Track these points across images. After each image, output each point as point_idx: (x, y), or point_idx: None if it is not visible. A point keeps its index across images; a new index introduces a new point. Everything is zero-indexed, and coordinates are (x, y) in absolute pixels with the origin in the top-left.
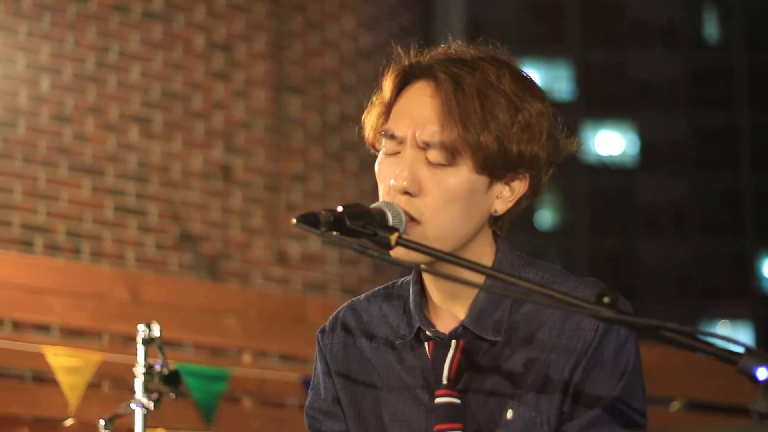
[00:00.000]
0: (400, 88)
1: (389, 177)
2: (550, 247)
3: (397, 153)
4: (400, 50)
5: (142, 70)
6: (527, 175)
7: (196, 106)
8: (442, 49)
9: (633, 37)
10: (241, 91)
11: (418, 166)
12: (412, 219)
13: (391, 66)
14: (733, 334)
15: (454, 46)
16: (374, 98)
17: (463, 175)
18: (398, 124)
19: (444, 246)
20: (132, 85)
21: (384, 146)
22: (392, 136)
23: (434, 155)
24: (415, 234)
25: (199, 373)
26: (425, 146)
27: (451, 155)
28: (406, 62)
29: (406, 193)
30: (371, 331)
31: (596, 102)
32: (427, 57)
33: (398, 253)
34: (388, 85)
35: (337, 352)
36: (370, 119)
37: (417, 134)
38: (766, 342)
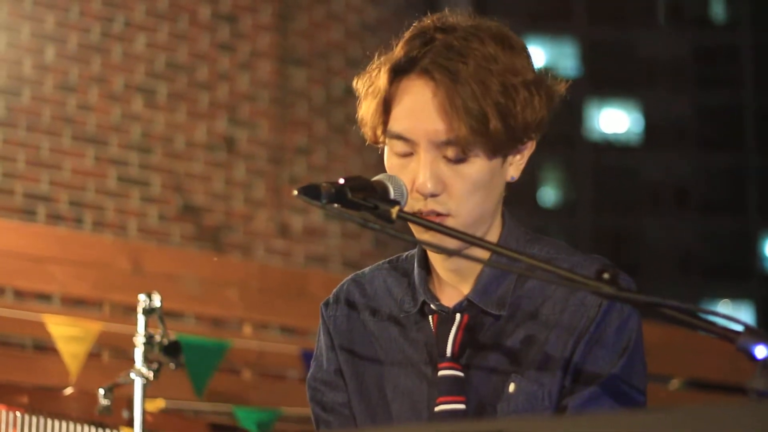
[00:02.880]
0: (393, 80)
1: (408, 179)
2: (553, 225)
3: (408, 154)
4: (402, 24)
5: (147, 41)
6: (534, 137)
7: (201, 78)
8: (426, 23)
9: (639, 15)
10: (245, 62)
11: (437, 167)
12: (440, 215)
13: (382, 61)
14: (734, 314)
15: (435, 16)
16: (361, 88)
17: (480, 164)
18: (407, 127)
19: (474, 230)
20: (137, 56)
21: (393, 148)
22: (402, 139)
23: (450, 153)
24: (448, 224)
25: (198, 345)
26: (440, 145)
27: (464, 151)
28: (395, 59)
29: (433, 195)
30: (375, 304)
31: (601, 80)
32: (417, 50)
33: (432, 238)
34: (382, 82)
35: (341, 325)
36: (367, 116)
37: (429, 135)
38: (767, 321)
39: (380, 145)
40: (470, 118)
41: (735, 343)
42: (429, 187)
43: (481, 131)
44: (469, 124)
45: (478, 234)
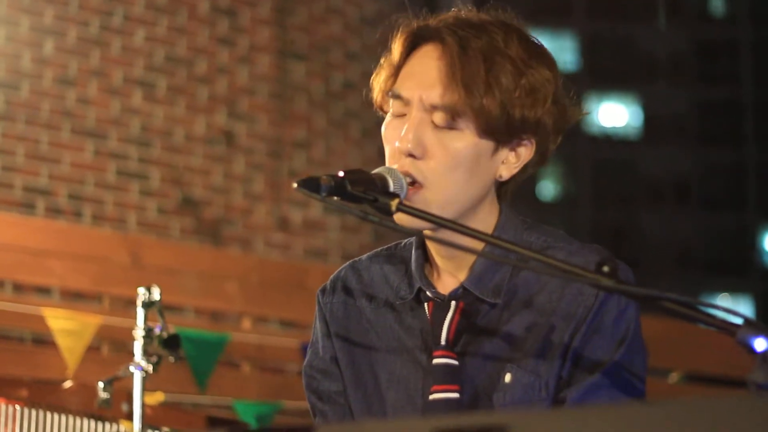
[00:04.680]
0: (409, 50)
1: (395, 138)
2: (552, 219)
3: (403, 115)
4: (408, 15)
5: (146, 35)
6: (533, 141)
7: (200, 71)
8: (451, 12)
9: (638, 9)
10: (245, 56)
11: (423, 129)
12: (414, 182)
13: (401, 28)
14: (733, 307)
15: (463, 11)
16: (383, 61)
17: (467, 140)
18: (405, 86)
19: (447, 211)
20: (136, 49)
21: (391, 107)
22: (399, 97)
23: (439, 118)
24: (418, 199)
25: (198, 338)
26: (430, 109)
27: (454, 118)
28: (415, 25)
29: (411, 155)
30: (371, 291)
31: (601, 74)
32: (436, 20)
33: (401, 219)
34: (397, 47)
35: (337, 312)
36: (378, 81)
37: (422, 97)
38: (766, 316)
39: (385, 113)
40: (466, 87)
41: (734, 335)
42: (408, 146)
43: (473, 104)
44: (464, 92)
45: (458, 220)
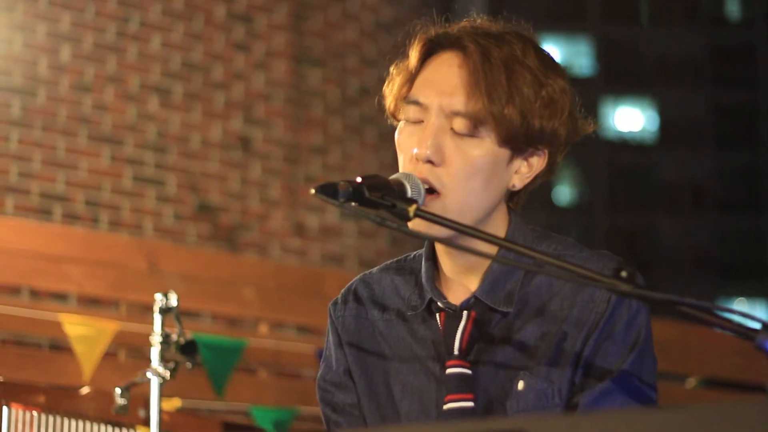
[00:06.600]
0: (425, 57)
1: (412, 145)
2: (567, 224)
3: (420, 121)
4: (425, 21)
5: (163, 41)
6: (546, 152)
7: (216, 77)
8: (466, 21)
9: (654, 13)
10: (261, 62)
11: (442, 136)
12: (432, 191)
13: (418, 35)
14: (750, 312)
15: (478, 20)
16: (394, 69)
17: (486, 147)
18: (424, 92)
19: (463, 219)
20: (152, 56)
21: (407, 114)
22: (416, 103)
23: (459, 125)
24: (435, 206)
25: (215, 344)
26: (450, 116)
27: (475, 126)
28: (433, 32)
29: (429, 161)
30: (383, 303)
31: (616, 78)
32: (454, 28)
33: (417, 225)
34: (414, 54)
35: (349, 325)
36: (392, 88)
37: (443, 103)
38: None
39: (397, 121)
40: (489, 95)
41: (752, 340)
42: (427, 152)
43: (495, 112)
44: (486, 100)
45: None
